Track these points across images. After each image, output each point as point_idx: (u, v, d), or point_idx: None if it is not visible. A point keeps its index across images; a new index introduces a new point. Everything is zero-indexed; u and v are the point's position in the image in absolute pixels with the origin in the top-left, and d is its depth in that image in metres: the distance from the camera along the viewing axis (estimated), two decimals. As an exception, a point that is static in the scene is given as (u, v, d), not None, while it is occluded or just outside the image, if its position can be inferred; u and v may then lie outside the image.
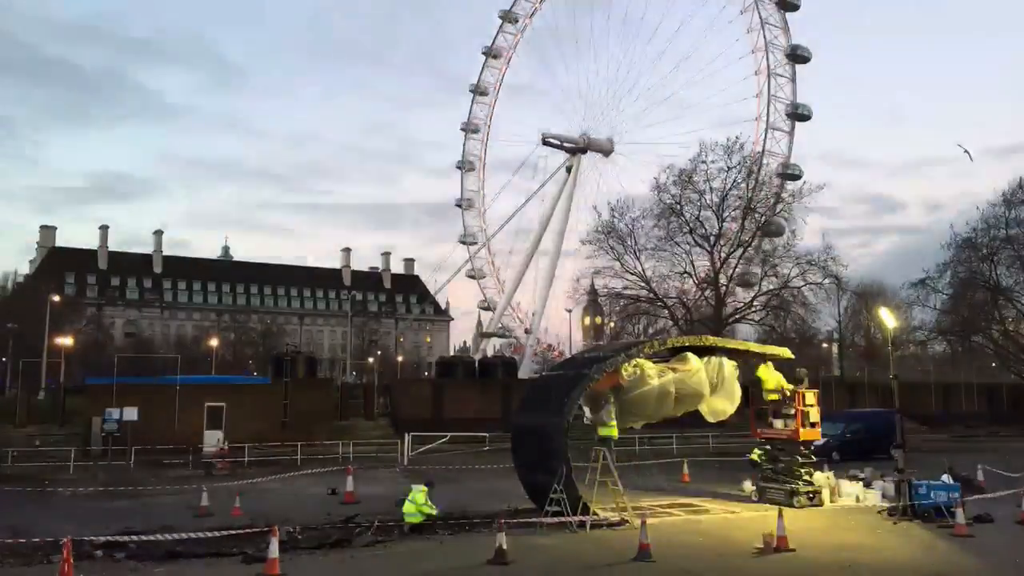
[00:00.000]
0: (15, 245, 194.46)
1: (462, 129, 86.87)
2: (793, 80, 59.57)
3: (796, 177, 56.55)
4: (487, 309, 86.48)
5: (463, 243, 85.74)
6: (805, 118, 59.28)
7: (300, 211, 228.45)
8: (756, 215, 54.47)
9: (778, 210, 54.73)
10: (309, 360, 46.38)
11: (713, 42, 61.86)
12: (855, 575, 13.16)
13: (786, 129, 58.81)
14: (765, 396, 21.58)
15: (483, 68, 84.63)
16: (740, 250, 54.82)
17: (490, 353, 75.75)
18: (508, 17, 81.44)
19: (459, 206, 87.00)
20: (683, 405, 20.55)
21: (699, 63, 63.99)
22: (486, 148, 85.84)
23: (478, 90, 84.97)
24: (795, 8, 59.47)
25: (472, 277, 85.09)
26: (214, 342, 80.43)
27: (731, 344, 28.01)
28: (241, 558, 13.95)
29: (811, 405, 20.47)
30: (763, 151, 57.43)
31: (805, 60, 59.72)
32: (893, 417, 40.00)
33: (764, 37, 59.32)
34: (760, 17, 59.51)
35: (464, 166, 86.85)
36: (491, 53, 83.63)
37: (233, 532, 15.12)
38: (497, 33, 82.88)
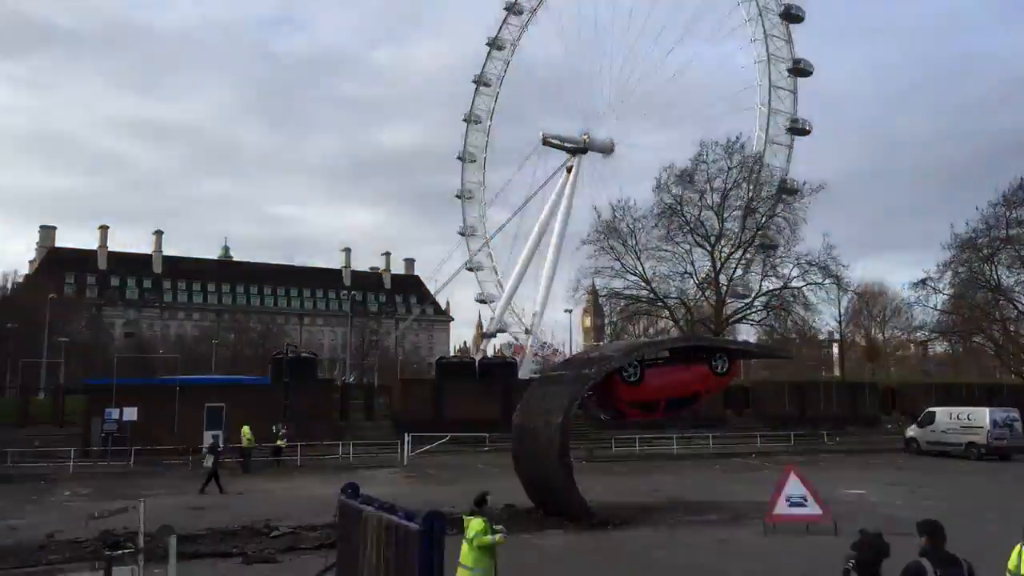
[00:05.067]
0: (15, 245, 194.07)
1: (464, 120, 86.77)
2: (794, 93, 59.01)
3: (794, 191, 56.25)
4: (484, 302, 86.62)
5: (462, 235, 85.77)
6: (804, 132, 58.83)
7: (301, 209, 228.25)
8: (757, 215, 54.48)
9: (778, 210, 54.76)
10: (309, 360, 46.28)
11: (716, 50, 61.51)
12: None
13: (785, 143, 58.37)
14: None
15: (487, 59, 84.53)
16: (741, 251, 54.81)
17: (490, 354, 75.68)
18: (513, 9, 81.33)
19: (459, 197, 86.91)
20: None
21: (702, 70, 63.94)
22: (488, 139, 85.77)
23: (481, 81, 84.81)
24: (799, 20, 58.97)
25: (471, 269, 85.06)
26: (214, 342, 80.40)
27: (731, 344, 28.03)
28: (241, 559, 13.90)
29: None
30: (764, 152, 57.26)
31: (807, 74, 59.27)
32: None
33: (767, 48, 58.84)
34: (764, 28, 59.07)
35: (465, 157, 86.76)
36: (495, 44, 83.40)
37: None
38: (501, 25, 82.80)
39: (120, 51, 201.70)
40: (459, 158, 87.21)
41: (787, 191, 56.06)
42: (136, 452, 32.57)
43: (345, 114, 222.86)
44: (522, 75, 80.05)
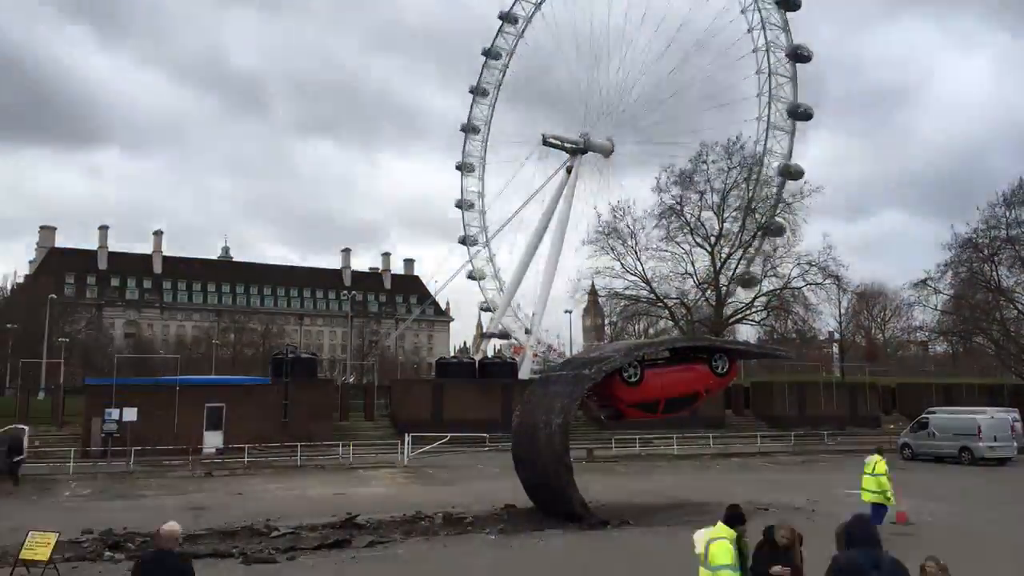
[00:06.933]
0: (15, 245, 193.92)
1: (462, 130, 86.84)
2: (794, 79, 58.85)
3: (797, 175, 56.20)
4: (487, 310, 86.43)
5: (463, 244, 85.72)
6: (807, 117, 58.68)
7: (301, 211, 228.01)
8: (756, 215, 54.56)
9: (779, 210, 54.81)
10: (309, 361, 46.30)
11: (713, 42, 60.85)
12: None
13: (787, 129, 58.28)
14: None
15: (483, 69, 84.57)
16: (741, 251, 54.89)
17: (490, 354, 75.66)
18: (508, 18, 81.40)
19: (459, 207, 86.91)
20: None
21: (699, 63, 63.50)
22: (486, 149, 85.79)
23: (478, 91, 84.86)
24: (796, 7, 58.89)
25: (472, 278, 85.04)
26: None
27: (731, 344, 28.01)
28: (241, 559, 13.90)
29: None
30: (764, 151, 57.26)
31: (806, 59, 59.08)
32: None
33: (765, 36, 58.81)
34: (761, 16, 59.05)
35: (464, 167, 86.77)
36: (491, 54, 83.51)
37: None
38: (497, 34, 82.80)
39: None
40: (458, 168, 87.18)
41: (791, 175, 55.93)
42: (136, 452, 32.56)
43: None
44: (519, 81, 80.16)
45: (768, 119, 57.73)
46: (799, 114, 58.11)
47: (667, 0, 61.42)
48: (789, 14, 58.89)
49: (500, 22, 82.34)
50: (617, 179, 67.76)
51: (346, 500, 21.60)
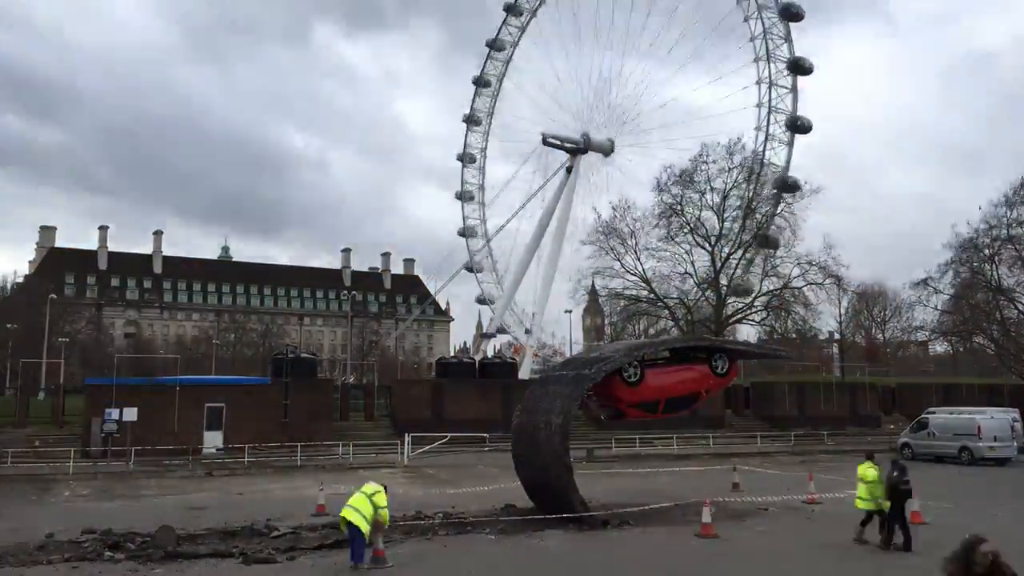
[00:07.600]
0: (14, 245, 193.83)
1: (464, 121, 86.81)
2: (794, 91, 58.00)
3: (794, 189, 55.72)
4: (483, 303, 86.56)
5: (462, 236, 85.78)
6: (805, 130, 57.80)
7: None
8: (757, 215, 54.64)
9: (779, 209, 54.83)
10: (309, 361, 46.28)
11: (715, 49, 60.63)
12: None
13: (785, 140, 57.62)
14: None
15: (486, 60, 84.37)
16: (741, 251, 54.94)
17: (490, 354, 75.64)
18: (513, 10, 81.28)
19: (459, 198, 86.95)
20: None
21: (701, 69, 63.52)
22: (487, 141, 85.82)
23: (481, 82, 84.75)
24: (798, 19, 58.16)
25: (470, 270, 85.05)
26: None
27: (731, 344, 28.00)
28: (241, 559, 13.89)
29: None
30: (764, 154, 57.09)
31: (807, 72, 58.05)
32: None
33: (767, 47, 58.27)
34: (763, 26, 58.52)
35: (465, 159, 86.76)
36: (495, 46, 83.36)
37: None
38: (501, 26, 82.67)
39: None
40: (459, 159, 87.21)
41: (788, 188, 55.79)
42: (136, 452, 32.57)
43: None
44: (522, 76, 79.95)
45: (767, 131, 57.10)
46: (798, 127, 57.32)
47: (670, 6, 60.98)
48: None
49: (505, 14, 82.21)
50: (617, 179, 67.66)
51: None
